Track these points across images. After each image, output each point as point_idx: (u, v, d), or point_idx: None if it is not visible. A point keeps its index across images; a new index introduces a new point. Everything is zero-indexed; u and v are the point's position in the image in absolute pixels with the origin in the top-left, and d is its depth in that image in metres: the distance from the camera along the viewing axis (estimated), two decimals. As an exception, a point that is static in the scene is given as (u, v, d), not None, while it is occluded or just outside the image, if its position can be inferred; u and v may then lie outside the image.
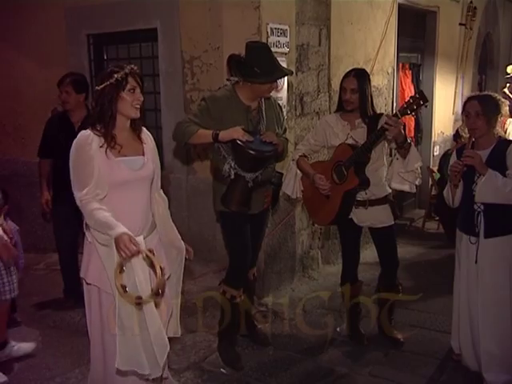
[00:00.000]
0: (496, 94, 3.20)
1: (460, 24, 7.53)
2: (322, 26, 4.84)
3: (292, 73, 3.61)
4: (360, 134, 3.45)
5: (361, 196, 3.50)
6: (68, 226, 4.07)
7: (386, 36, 5.79)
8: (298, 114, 4.65)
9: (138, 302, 2.30)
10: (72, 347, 3.64)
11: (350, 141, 3.46)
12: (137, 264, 2.39)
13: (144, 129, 2.70)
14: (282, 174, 3.57)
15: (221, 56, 4.21)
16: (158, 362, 2.45)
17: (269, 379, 3.33)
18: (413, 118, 6.85)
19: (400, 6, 5.99)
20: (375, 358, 3.53)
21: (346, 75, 3.49)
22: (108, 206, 2.46)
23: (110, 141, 2.49)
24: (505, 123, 6.86)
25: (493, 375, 3.10)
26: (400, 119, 3.20)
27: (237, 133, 3.14)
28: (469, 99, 3.16)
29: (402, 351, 3.59)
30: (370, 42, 5.61)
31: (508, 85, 7.86)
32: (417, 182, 3.41)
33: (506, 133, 6.76)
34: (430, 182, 6.71)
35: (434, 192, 6.58)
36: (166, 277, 2.60)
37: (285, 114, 4.22)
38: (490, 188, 2.95)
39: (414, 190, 3.52)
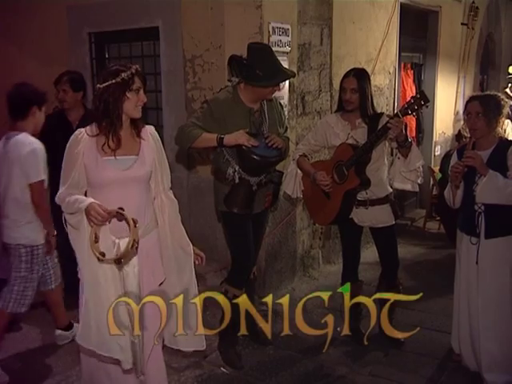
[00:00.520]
0: (499, 94, 3.18)
1: (462, 24, 7.52)
2: (323, 25, 4.84)
3: (295, 75, 3.59)
4: (361, 134, 3.45)
5: (361, 196, 3.50)
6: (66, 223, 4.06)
7: (387, 35, 5.79)
8: (299, 113, 4.65)
9: (119, 261, 2.35)
10: (72, 345, 3.64)
11: (350, 141, 3.46)
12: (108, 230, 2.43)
13: (149, 128, 2.65)
14: (282, 173, 3.56)
15: (222, 55, 4.21)
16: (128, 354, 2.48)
17: (269, 378, 3.34)
18: (414, 118, 6.84)
19: (402, 6, 5.98)
20: (375, 357, 3.54)
21: (346, 75, 3.48)
22: None
23: (114, 140, 2.48)
24: (503, 124, 6.85)
25: (493, 376, 3.10)
26: (401, 119, 3.20)
27: (242, 138, 3.12)
28: (470, 99, 3.16)
29: (402, 351, 3.60)
30: (372, 41, 5.61)
31: (510, 85, 7.87)
32: (419, 181, 3.41)
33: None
34: (431, 182, 6.71)
35: (435, 192, 6.57)
36: (161, 280, 2.63)
37: (286, 113, 4.22)
38: (491, 189, 2.94)
39: (417, 189, 3.51)
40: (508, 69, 8.24)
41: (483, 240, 3.08)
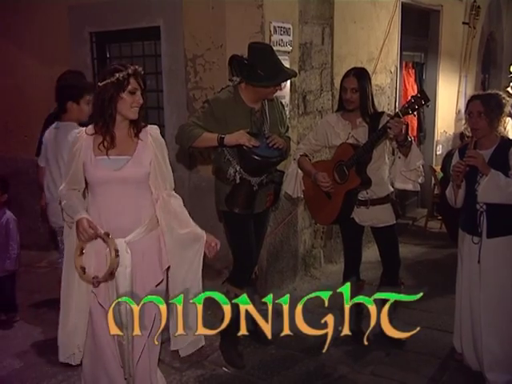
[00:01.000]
0: (500, 93, 3.17)
1: (463, 23, 7.52)
2: (325, 24, 4.84)
3: (296, 74, 3.59)
4: (361, 133, 3.44)
5: (362, 195, 3.49)
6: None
7: (389, 35, 5.78)
8: (300, 112, 4.65)
9: (95, 282, 2.43)
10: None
11: (351, 140, 3.46)
12: (94, 247, 2.49)
13: (151, 128, 2.62)
14: (283, 173, 3.56)
15: (224, 54, 4.20)
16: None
17: (270, 378, 3.34)
18: (415, 118, 6.84)
19: (403, 5, 5.98)
20: (377, 357, 3.53)
21: (346, 75, 3.47)
22: (95, 204, 2.54)
23: (108, 139, 2.48)
24: (504, 123, 6.84)
25: (495, 375, 3.10)
26: (402, 119, 3.20)
27: (243, 138, 3.11)
28: (472, 98, 3.15)
29: (403, 351, 3.59)
30: (373, 40, 5.60)
31: (511, 84, 7.84)
32: (420, 180, 3.40)
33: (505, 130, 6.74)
34: (433, 182, 6.70)
35: (436, 191, 6.57)
36: (159, 281, 2.63)
37: (287, 112, 4.21)
38: (493, 188, 2.94)
39: (418, 189, 3.51)
40: (509, 68, 8.22)
41: (485, 239, 3.08)
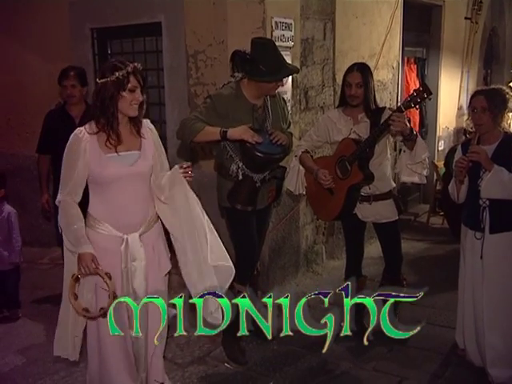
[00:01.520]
0: (504, 88, 3.16)
1: (465, 18, 7.48)
2: (326, 19, 4.82)
3: (298, 70, 3.58)
4: (363, 129, 3.44)
5: (365, 191, 3.49)
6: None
7: (391, 30, 5.76)
8: (302, 108, 4.64)
9: (84, 315, 2.47)
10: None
11: (353, 136, 3.45)
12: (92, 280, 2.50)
13: (146, 122, 2.66)
14: (285, 168, 3.55)
15: (225, 50, 4.19)
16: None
17: (273, 374, 3.34)
18: (417, 113, 6.82)
19: (405, 0, 5.95)
20: (379, 353, 3.52)
21: (349, 70, 3.46)
22: (104, 203, 2.52)
23: (114, 137, 2.48)
24: (508, 118, 6.82)
25: (497, 371, 3.10)
26: (404, 112, 3.18)
27: (246, 134, 3.09)
28: (475, 94, 3.13)
29: (405, 346, 3.58)
30: (375, 36, 5.58)
31: (514, 79, 7.81)
32: (425, 173, 3.40)
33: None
34: (435, 177, 6.69)
35: (438, 187, 6.56)
36: (167, 271, 2.70)
37: (289, 108, 4.20)
38: (496, 184, 2.93)
39: (424, 181, 3.51)
40: (512, 63, 8.20)
41: (488, 235, 3.07)
